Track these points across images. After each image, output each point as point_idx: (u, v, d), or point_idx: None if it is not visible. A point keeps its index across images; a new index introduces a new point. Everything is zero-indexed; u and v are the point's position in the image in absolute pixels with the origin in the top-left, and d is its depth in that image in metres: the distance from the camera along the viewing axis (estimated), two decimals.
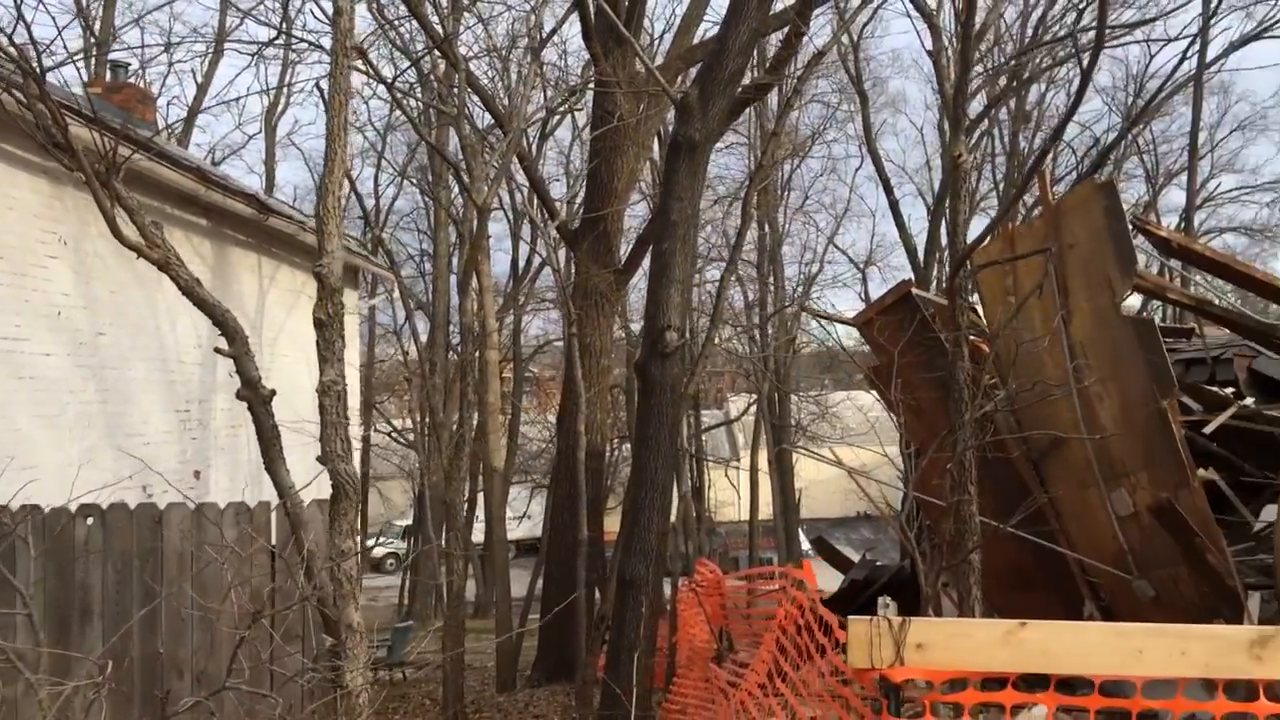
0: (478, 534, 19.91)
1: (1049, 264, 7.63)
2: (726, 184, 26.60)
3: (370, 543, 34.05)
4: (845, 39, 24.44)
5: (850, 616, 3.10)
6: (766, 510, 30.11)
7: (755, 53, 20.41)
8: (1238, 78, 51.71)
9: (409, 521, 32.91)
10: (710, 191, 25.39)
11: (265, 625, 3.74)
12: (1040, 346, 7.73)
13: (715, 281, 23.49)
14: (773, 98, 22.43)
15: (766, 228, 28.23)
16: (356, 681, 3.49)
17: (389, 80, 14.55)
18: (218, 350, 4.21)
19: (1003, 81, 21.77)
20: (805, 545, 27.69)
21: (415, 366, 26.70)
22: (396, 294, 23.97)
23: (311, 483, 4.22)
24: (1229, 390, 9.52)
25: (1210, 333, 10.62)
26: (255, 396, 4.09)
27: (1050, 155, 27.16)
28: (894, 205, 27.43)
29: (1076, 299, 7.81)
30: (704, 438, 29.73)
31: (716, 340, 22.24)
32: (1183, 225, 26.80)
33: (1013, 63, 20.04)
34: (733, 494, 32.78)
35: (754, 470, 29.68)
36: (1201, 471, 7.99)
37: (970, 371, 6.81)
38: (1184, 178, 28.38)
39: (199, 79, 25.17)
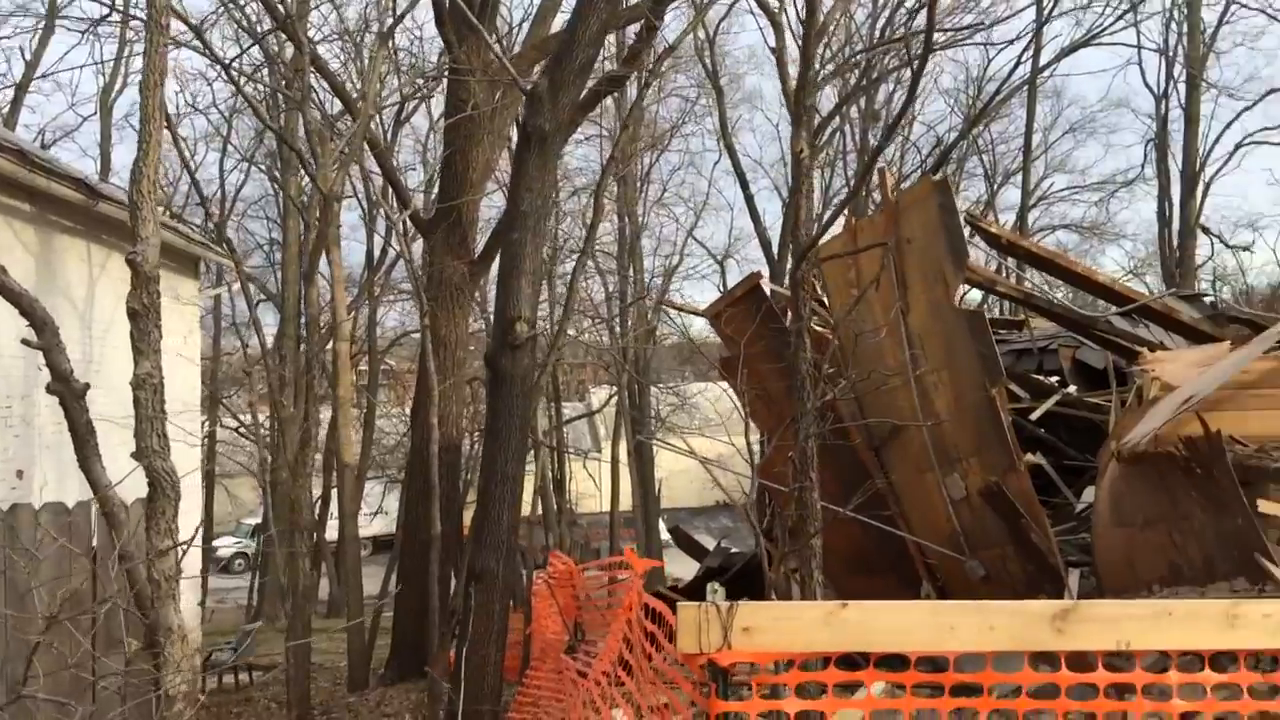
0: (332, 530, 19.38)
1: (887, 257, 7.89)
2: (587, 176, 26.59)
3: (216, 542, 32.81)
4: (701, 34, 24.70)
5: (680, 603, 3.13)
6: (627, 501, 30.29)
7: (615, 45, 20.51)
8: (1069, 83, 54.61)
9: (258, 520, 31.80)
10: (569, 183, 25.39)
11: (74, 630, 3.54)
12: (880, 337, 7.99)
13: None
14: (634, 90, 22.51)
15: (625, 220, 28.35)
16: (176, 685, 3.34)
17: (228, 61, 13.99)
18: (25, 342, 3.96)
19: (852, 80, 22.38)
20: (665, 535, 27.98)
21: (258, 359, 25.76)
22: (238, 285, 23.06)
23: (126, 478, 4.02)
24: (1054, 379, 10.08)
25: (1039, 325, 11.19)
26: (67, 390, 3.87)
27: (899, 153, 28.20)
28: (749, 199, 27.90)
29: (914, 291, 8.09)
30: (565, 429, 29.70)
31: (571, 331, 22.22)
32: (1018, 222, 28.18)
33: (854, 61, 20.63)
34: (594, 485, 32.85)
35: (615, 461, 29.83)
36: (1028, 456, 8.42)
37: (813, 360, 6.98)
38: (1020, 177, 29.93)
39: (28, 56, 23.64)
